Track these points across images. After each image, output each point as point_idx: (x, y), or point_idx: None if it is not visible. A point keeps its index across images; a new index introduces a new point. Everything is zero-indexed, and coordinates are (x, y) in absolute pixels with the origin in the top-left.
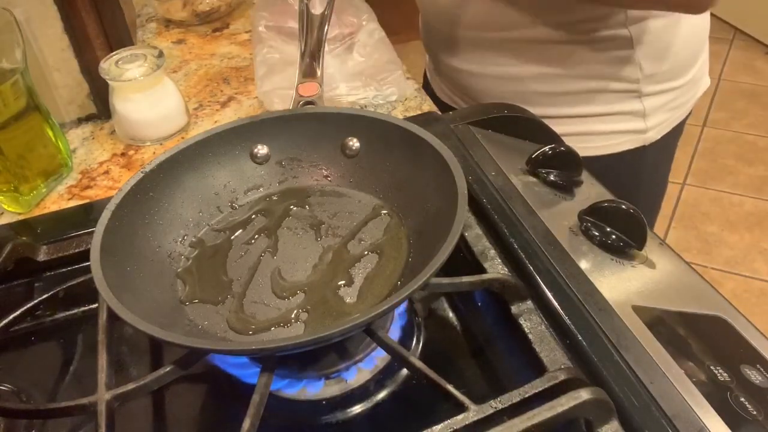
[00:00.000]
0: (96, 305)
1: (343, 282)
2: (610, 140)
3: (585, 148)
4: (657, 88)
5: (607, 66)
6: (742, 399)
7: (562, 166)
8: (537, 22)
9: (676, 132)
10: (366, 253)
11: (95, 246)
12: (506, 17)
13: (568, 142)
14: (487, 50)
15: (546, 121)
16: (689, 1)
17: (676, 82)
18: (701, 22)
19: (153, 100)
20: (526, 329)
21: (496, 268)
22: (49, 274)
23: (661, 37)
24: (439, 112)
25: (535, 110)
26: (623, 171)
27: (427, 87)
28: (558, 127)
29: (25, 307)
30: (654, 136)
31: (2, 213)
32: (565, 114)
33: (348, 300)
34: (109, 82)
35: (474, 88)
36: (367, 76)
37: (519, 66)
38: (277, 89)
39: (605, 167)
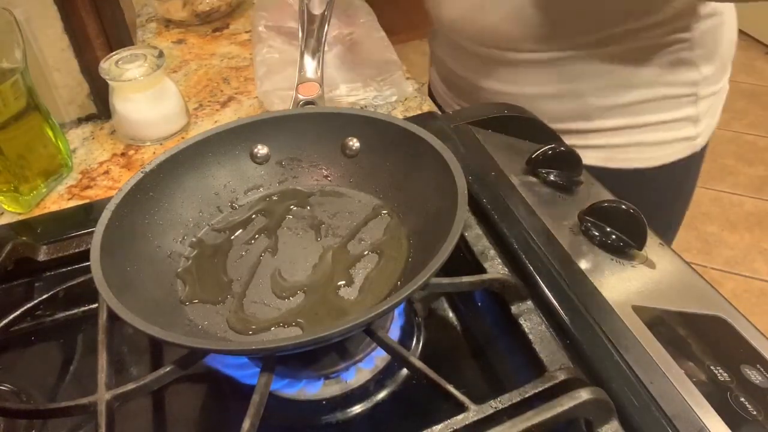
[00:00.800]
0: (96, 305)
1: (343, 282)
2: (665, 150)
3: (640, 159)
4: (710, 90)
5: (668, 71)
6: (742, 399)
7: (562, 166)
8: (603, 31)
9: (709, 139)
10: (366, 253)
11: (95, 246)
12: (569, 28)
13: (623, 153)
14: (540, 69)
15: (601, 134)
16: None
17: (720, 83)
18: (735, 21)
19: (153, 100)
20: (526, 329)
21: (496, 268)
22: (49, 274)
23: (712, 36)
24: (440, 112)
25: (591, 124)
26: (673, 180)
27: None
28: (613, 139)
29: (25, 307)
30: (701, 142)
31: (2, 213)
32: (622, 125)
33: (348, 300)
34: (109, 82)
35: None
36: (367, 77)
37: (578, 82)
38: (277, 89)
39: (656, 178)
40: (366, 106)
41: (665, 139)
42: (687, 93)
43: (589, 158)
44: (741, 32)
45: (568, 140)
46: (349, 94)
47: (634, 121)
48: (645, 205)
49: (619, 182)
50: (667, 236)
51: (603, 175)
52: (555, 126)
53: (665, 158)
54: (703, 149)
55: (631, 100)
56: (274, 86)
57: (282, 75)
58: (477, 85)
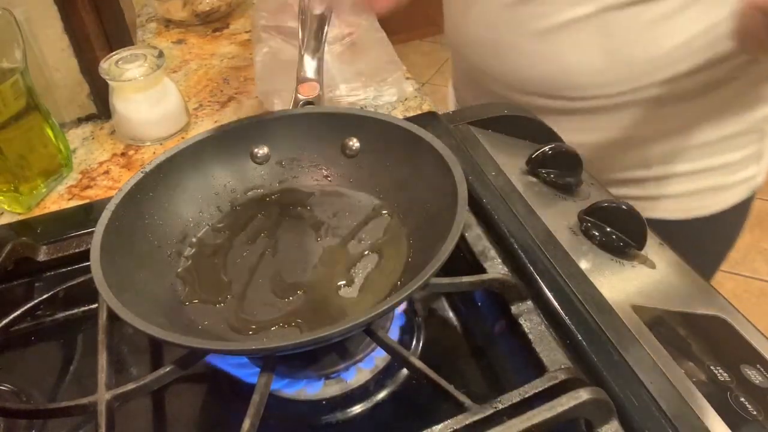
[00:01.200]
0: (96, 305)
1: (343, 282)
2: (720, 195)
3: (696, 208)
4: None
5: (736, 108)
6: (742, 399)
7: (562, 166)
8: (678, 74)
9: None
10: (366, 253)
11: (95, 246)
12: (639, 72)
13: (677, 204)
14: (598, 115)
15: (660, 181)
16: None
17: None
18: None
19: (153, 100)
20: (526, 329)
21: (496, 268)
22: (49, 274)
23: None
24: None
25: (651, 171)
26: (724, 227)
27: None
28: (670, 188)
29: (25, 307)
30: (761, 181)
31: (2, 213)
32: (685, 171)
33: (348, 300)
34: (109, 82)
35: None
36: (367, 77)
37: (639, 127)
38: (277, 89)
39: (706, 226)
40: (366, 106)
41: (727, 182)
42: (753, 129)
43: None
44: None
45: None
46: (349, 94)
47: (698, 166)
48: (696, 254)
49: (669, 233)
50: (707, 275)
51: (658, 226)
52: (609, 176)
53: (723, 203)
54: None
55: (696, 142)
56: (274, 86)
57: (282, 75)
58: None
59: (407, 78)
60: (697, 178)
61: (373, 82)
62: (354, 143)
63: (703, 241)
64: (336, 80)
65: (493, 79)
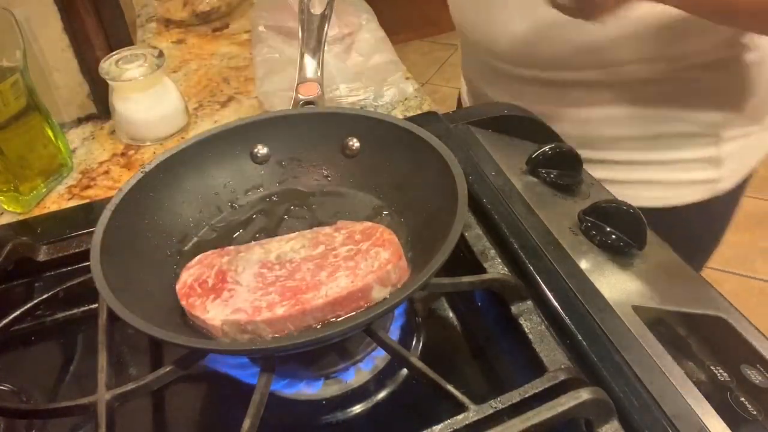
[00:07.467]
0: (96, 305)
1: None
2: (678, 190)
3: (648, 198)
4: (736, 132)
5: (685, 108)
6: (742, 399)
7: (562, 166)
8: (627, 60)
9: (747, 180)
10: None
11: (95, 246)
12: (594, 55)
13: (631, 189)
14: (556, 90)
15: (608, 165)
16: None
17: (755, 126)
18: None
19: (153, 100)
20: (526, 329)
21: (496, 268)
22: (49, 274)
23: (749, 74)
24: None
25: (596, 154)
26: (687, 223)
27: None
28: (621, 174)
29: (25, 307)
30: (726, 186)
31: (2, 213)
32: (632, 159)
33: None
34: (109, 82)
35: None
36: (367, 77)
37: (588, 108)
38: (277, 89)
39: (668, 218)
40: (366, 106)
41: (681, 179)
42: (705, 133)
43: None
44: None
45: None
46: (349, 94)
47: (645, 157)
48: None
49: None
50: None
51: None
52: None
53: (678, 199)
54: (732, 194)
55: (642, 134)
56: (274, 86)
57: (282, 75)
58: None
59: (407, 78)
60: (647, 169)
61: (372, 82)
62: (354, 143)
63: (671, 234)
64: (336, 81)
65: (486, 49)
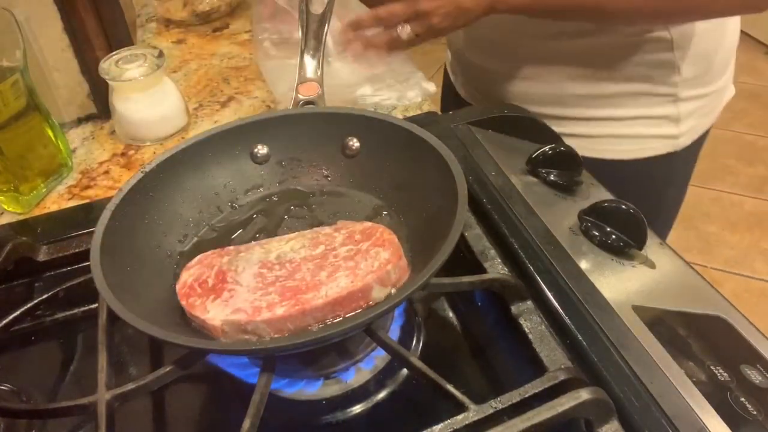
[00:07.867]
0: (96, 305)
1: None
2: (643, 144)
3: (616, 151)
4: (693, 92)
5: (645, 68)
6: (742, 399)
7: (562, 166)
8: (579, 28)
9: (703, 139)
10: None
11: (95, 246)
12: (548, 23)
13: (600, 144)
14: (524, 52)
15: (579, 122)
16: (747, 4)
17: (710, 87)
18: (737, 27)
19: (153, 100)
20: (526, 329)
21: (496, 268)
22: (49, 274)
23: (703, 40)
24: (439, 113)
25: (567, 111)
26: (652, 176)
27: (448, 83)
28: (590, 129)
29: (25, 307)
30: (685, 141)
31: (2, 213)
32: (599, 116)
33: None
34: (109, 82)
35: (502, 89)
36: (391, 78)
37: (555, 68)
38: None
39: (634, 172)
40: (391, 107)
41: (645, 133)
42: (665, 92)
43: None
44: (741, 32)
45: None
46: (374, 93)
47: (610, 113)
48: (626, 199)
49: (596, 173)
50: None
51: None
52: (531, 109)
53: (640, 152)
54: (690, 150)
55: (608, 92)
56: (288, 84)
57: (285, 75)
58: (472, 63)
59: (430, 78)
60: (610, 125)
61: (396, 83)
62: (354, 143)
63: (627, 187)
64: (360, 79)
65: None
